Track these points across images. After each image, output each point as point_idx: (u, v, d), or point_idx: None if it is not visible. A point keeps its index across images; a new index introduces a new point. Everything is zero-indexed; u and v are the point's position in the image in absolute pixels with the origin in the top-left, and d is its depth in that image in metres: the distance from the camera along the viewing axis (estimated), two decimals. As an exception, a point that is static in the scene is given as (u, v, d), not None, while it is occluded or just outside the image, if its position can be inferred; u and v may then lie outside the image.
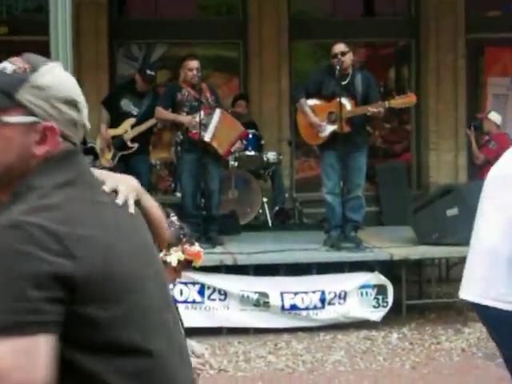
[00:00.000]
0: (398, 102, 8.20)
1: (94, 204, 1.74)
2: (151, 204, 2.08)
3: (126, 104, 9.00)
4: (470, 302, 3.49)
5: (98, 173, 1.93)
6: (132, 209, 1.88)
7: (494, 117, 9.73)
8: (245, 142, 9.03)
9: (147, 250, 1.87)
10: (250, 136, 9.40)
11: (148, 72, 9.09)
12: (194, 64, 8.19)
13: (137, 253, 1.78)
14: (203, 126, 7.97)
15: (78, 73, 9.78)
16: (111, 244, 1.69)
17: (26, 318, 1.53)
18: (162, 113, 8.28)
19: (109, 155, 8.98)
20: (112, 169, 9.03)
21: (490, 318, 3.40)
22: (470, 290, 3.45)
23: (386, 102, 8.12)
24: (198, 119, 7.93)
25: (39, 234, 1.57)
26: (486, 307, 3.34)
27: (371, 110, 7.91)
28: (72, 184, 1.72)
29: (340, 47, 8.08)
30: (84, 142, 9.58)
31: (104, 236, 1.68)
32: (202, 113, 7.99)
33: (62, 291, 1.57)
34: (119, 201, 1.85)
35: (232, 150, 8.50)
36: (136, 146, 8.91)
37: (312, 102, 8.17)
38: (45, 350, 1.55)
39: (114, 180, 1.91)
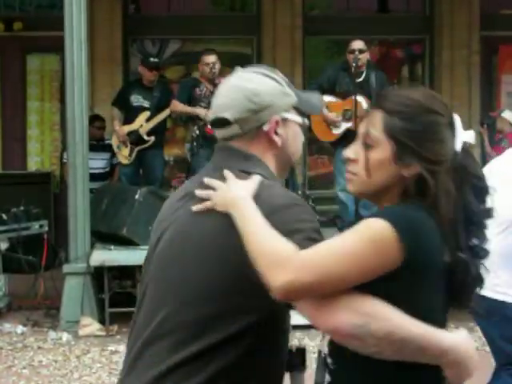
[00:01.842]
0: None
1: None
2: None
3: (136, 99, 9.01)
4: None
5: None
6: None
7: (508, 116, 9.70)
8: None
9: None
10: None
11: (151, 59, 9.13)
12: (210, 58, 8.14)
13: None
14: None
15: (92, 68, 9.81)
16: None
17: None
18: (178, 106, 8.26)
19: (126, 151, 8.99)
20: (129, 165, 9.06)
21: (483, 308, 3.57)
22: None
23: None
24: None
25: None
26: (482, 297, 3.46)
27: None
28: None
29: (359, 44, 8.06)
30: (102, 139, 9.62)
31: None
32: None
33: None
34: None
35: None
36: (152, 138, 8.92)
37: (327, 98, 8.16)
38: None
39: None
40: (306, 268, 1.81)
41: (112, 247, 7.74)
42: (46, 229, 8.36)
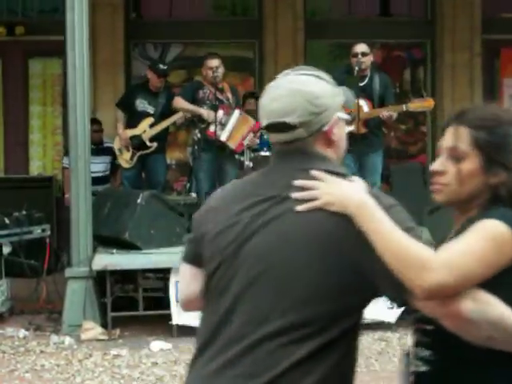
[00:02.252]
0: (415, 105, 8.19)
1: None
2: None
3: (141, 103, 8.99)
4: None
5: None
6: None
7: None
8: (259, 135, 8.89)
9: None
10: (266, 136, 9.36)
11: (161, 66, 9.10)
12: (213, 62, 8.12)
13: None
14: (221, 125, 7.95)
15: (94, 72, 9.84)
16: None
17: None
18: (181, 103, 8.23)
19: (127, 155, 8.99)
20: (131, 169, 9.06)
21: None
22: None
23: (404, 106, 8.13)
24: (216, 116, 7.90)
25: None
26: None
27: (386, 113, 7.89)
28: None
29: (362, 47, 8.04)
30: (100, 143, 9.62)
31: None
32: (221, 112, 7.96)
33: None
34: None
35: (244, 144, 8.39)
36: (155, 145, 8.92)
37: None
38: None
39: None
40: (450, 270, 1.97)
41: (114, 251, 7.74)
42: (48, 233, 8.36)
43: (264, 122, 2.22)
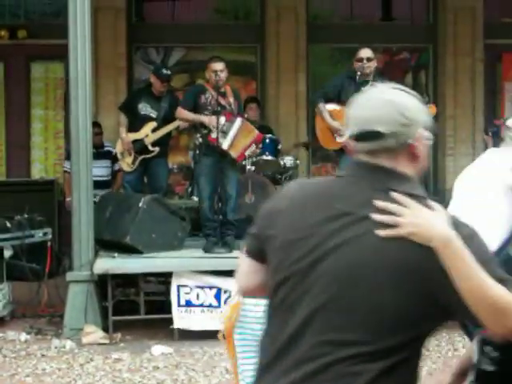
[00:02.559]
0: None
1: None
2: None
3: (144, 107, 8.99)
4: None
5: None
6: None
7: None
8: (260, 146, 8.94)
9: None
10: (268, 141, 9.38)
11: (164, 71, 9.10)
12: (217, 66, 8.08)
13: None
14: (223, 132, 7.94)
15: (96, 76, 9.85)
16: None
17: None
18: (184, 114, 8.23)
19: (129, 159, 8.98)
20: (132, 173, 9.06)
21: None
22: None
23: None
24: (218, 122, 7.90)
25: None
26: None
27: None
28: None
29: (367, 52, 8.01)
30: (101, 146, 9.62)
31: None
32: (223, 118, 7.94)
33: None
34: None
35: (246, 154, 8.42)
36: (157, 149, 8.91)
37: (331, 106, 8.15)
38: None
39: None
40: None
41: (116, 255, 7.74)
42: (50, 237, 8.36)
43: (353, 131, 2.21)
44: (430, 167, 11.27)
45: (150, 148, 8.91)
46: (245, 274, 2.36)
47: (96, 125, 9.51)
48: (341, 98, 8.13)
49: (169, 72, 9.16)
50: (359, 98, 2.26)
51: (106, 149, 9.70)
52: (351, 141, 2.22)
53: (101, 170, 9.45)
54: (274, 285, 2.20)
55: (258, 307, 3.33)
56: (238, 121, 8.08)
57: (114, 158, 9.46)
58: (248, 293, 2.46)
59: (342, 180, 2.24)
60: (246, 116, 8.97)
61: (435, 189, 11.17)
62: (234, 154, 8.09)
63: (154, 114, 8.95)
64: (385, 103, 2.20)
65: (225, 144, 7.98)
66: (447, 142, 11.02)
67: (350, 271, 2.10)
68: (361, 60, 7.97)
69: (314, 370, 2.08)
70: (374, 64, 8.07)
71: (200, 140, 8.23)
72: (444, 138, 11.04)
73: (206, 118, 7.99)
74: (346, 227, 2.13)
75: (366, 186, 2.17)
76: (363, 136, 2.18)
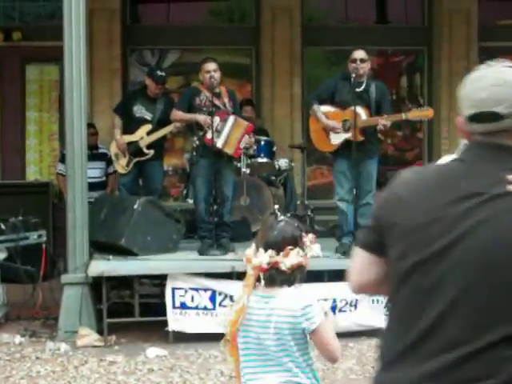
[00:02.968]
0: (415, 114, 8.20)
1: None
2: None
3: (139, 110, 8.99)
4: None
5: None
6: None
7: None
8: (252, 136, 8.83)
9: None
10: (263, 143, 9.38)
11: (159, 73, 9.10)
12: (210, 66, 8.11)
13: None
14: (217, 132, 7.96)
15: (91, 78, 9.83)
16: None
17: None
18: (178, 115, 8.26)
19: (124, 161, 8.98)
20: (127, 175, 9.05)
21: None
22: None
23: (403, 114, 8.15)
24: (212, 121, 7.91)
25: None
26: None
27: (382, 122, 7.88)
28: None
29: (360, 54, 8.03)
30: (95, 147, 9.62)
31: None
32: (218, 118, 7.97)
33: None
34: None
35: (241, 147, 8.37)
36: (152, 152, 8.91)
37: (326, 108, 8.15)
38: None
39: None
40: None
41: (110, 257, 7.74)
42: (45, 239, 8.35)
43: (469, 112, 2.18)
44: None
45: (145, 150, 8.91)
46: (358, 270, 2.32)
47: (91, 126, 9.53)
48: (334, 100, 8.15)
49: (163, 74, 9.17)
50: (473, 79, 2.22)
51: (100, 151, 9.70)
52: (466, 122, 2.19)
53: (95, 171, 9.46)
54: (403, 272, 2.14)
55: (261, 311, 3.33)
56: (231, 118, 8.11)
57: (108, 161, 9.45)
58: (360, 289, 2.40)
59: (462, 162, 2.20)
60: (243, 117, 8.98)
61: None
62: (229, 150, 8.11)
63: (148, 117, 8.95)
64: (502, 83, 2.16)
65: (219, 142, 8.00)
66: (442, 145, 11.02)
67: (491, 250, 2.05)
68: (354, 61, 7.99)
69: (461, 356, 2.03)
70: (367, 65, 8.08)
71: (197, 142, 8.25)
72: (439, 140, 11.05)
73: (200, 117, 8.03)
74: (480, 207, 2.08)
75: (491, 165, 2.13)
76: (481, 117, 2.16)
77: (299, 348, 3.31)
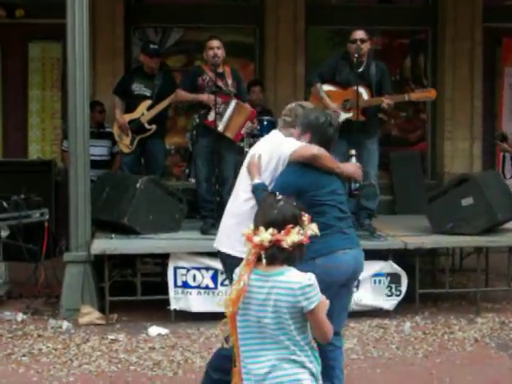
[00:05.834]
0: (417, 95, 8.19)
1: None
2: None
3: (138, 87, 8.98)
4: (223, 253, 5.04)
5: None
6: None
7: None
8: (256, 123, 8.82)
9: None
10: (265, 123, 9.34)
11: (151, 46, 9.11)
12: (214, 43, 8.10)
13: None
14: (219, 115, 7.94)
15: (94, 56, 9.80)
16: None
17: None
18: (182, 95, 8.26)
19: (127, 140, 8.96)
20: (130, 154, 9.04)
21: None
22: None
23: (406, 95, 8.14)
24: (216, 101, 7.90)
25: None
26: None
27: (387, 101, 7.87)
28: None
29: (360, 34, 8.02)
30: (102, 126, 9.64)
31: None
32: (220, 100, 7.95)
33: None
34: None
35: (243, 133, 8.35)
36: (154, 127, 8.89)
37: (327, 87, 8.13)
38: None
39: None
40: None
41: (113, 236, 7.75)
42: (47, 217, 8.34)
43: None
44: (428, 150, 11.26)
45: (147, 126, 8.89)
46: None
47: (98, 103, 9.57)
48: (335, 79, 8.12)
49: (156, 46, 9.20)
50: None
51: (107, 129, 9.70)
52: None
53: (101, 149, 9.52)
54: None
55: (261, 289, 3.33)
56: (233, 103, 8.09)
57: (114, 140, 9.45)
58: None
59: None
60: (249, 98, 8.96)
61: (433, 172, 11.17)
62: (230, 135, 8.10)
63: (148, 93, 8.94)
64: None
65: (220, 126, 7.99)
66: (445, 126, 10.99)
67: None
68: (354, 41, 7.98)
69: None
70: (367, 46, 8.06)
71: (197, 121, 8.24)
72: (442, 121, 11.02)
73: (204, 96, 8.03)
74: None
75: None
76: None
77: (297, 327, 3.32)
